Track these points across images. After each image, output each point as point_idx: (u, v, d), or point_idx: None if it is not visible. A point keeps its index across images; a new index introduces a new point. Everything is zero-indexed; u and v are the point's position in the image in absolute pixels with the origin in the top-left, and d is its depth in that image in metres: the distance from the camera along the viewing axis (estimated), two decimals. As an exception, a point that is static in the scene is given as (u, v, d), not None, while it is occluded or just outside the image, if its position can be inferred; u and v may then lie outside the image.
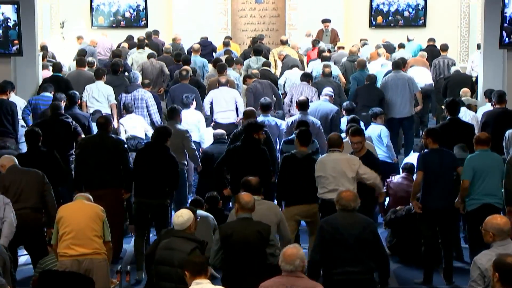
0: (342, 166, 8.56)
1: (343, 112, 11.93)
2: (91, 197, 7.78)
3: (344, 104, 12.19)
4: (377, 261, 7.00)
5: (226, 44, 16.99)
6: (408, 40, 18.41)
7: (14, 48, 12.40)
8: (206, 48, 17.36)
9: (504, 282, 5.42)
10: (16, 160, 8.80)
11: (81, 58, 15.07)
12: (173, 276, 6.80)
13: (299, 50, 17.72)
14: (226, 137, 11.19)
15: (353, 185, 8.53)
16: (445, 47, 16.53)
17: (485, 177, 8.74)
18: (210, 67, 15.59)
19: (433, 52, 16.78)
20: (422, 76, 14.99)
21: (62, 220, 7.39)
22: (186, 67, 14.25)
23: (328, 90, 12.56)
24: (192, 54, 16.12)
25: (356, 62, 14.99)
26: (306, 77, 13.48)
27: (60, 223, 7.41)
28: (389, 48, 17.62)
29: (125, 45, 18.61)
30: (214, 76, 14.17)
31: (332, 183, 8.54)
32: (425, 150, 9.10)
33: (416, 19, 21.46)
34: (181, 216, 7.04)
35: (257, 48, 16.37)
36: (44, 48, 16.30)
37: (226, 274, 7.06)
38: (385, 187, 10.19)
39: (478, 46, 16.18)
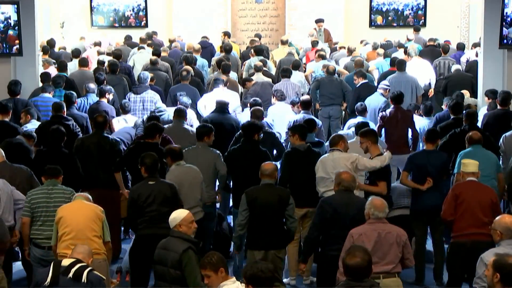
0: (342, 165, 8.62)
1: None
2: (90, 197, 7.78)
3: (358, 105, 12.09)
4: None
5: (226, 51, 16.52)
6: (408, 40, 18.41)
7: (14, 48, 12.38)
8: (205, 49, 17.34)
9: (505, 283, 5.44)
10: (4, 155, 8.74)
11: (83, 58, 15.06)
12: (166, 276, 6.80)
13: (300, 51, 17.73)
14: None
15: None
16: (446, 49, 16.52)
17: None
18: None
19: (433, 52, 16.76)
20: (423, 72, 14.98)
21: (62, 221, 7.39)
22: (187, 67, 14.25)
23: (384, 83, 12.77)
24: (193, 54, 16.10)
25: (354, 62, 14.99)
26: (285, 72, 13.62)
27: (59, 223, 7.41)
28: (389, 48, 17.61)
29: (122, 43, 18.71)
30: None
31: (333, 182, 8.57)
32: (415, 152, 9.20)
33: (416, 19, 21.47)
34: (173, 213, 7.04)
35: (258, 47, 16.37)
36: (45, 49, 16.27)
37: (250, 233, 7.90)
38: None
39: (474, 45, 16.16)
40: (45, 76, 12.90)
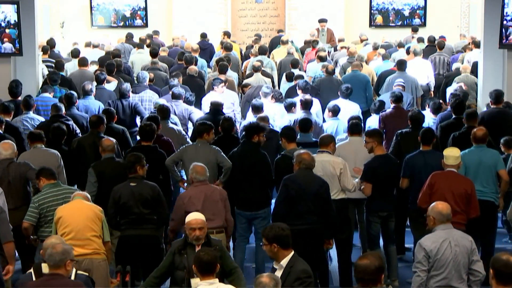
0: (330, 168, 8.67)
1: (330, 114, 11.73)
2: (89, 196, 7.78)
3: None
4: (327, 215, 8.06)
5: (227, 48, 16.64)
6: (413, 39, 18.44)
7: (7, 46, 12.35)
8: (205, 50, 17.35)
9: (498, 279, 5.51)
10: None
11: (83, 58, 15.05)
12: None
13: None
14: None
15: (339, 187, 8.71)
16: (441, 45, 16.56)
17: (476, 173, 8.84)
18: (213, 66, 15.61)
19: (432, 51, 16.79)
20: (422, 72, 15.00)
21: (61, 221, 7.38)
22: (192, 67, 14.31)
23: (399, 81, 13.00)
24: (191, 54, 16.10)
25: (352, 63, 15.00)
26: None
27: (59, 223, 7.40)
28: (389, 48, 17.62)
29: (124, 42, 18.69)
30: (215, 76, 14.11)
31: None
32: (411, 154, 9.16)
33: (416, 19, 21.47)
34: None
35: (261, 47, 16.39)
36: (45, 49, 16.27)
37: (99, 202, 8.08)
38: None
39: (474, 43, 16.11)
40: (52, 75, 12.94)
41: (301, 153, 8.25)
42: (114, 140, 9.04)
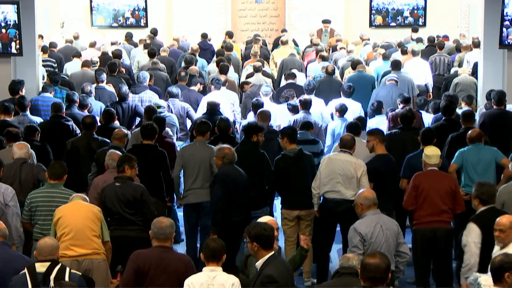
0: (351, 169, 8.58)
1: (337, 113, 11.75)
2: (87, 198, 7.79)
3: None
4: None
5: (228, 49, 16.73)
6: (412, 39, 18.46)
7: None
8: (205, 51, 17.34)
9: (495, 279, 5.57)
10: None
11: (87, 60, 15.06)
12: None
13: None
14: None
15: (356, 190, 8.53)
16: (441, 45, 16.55)
17: (475, 170, 8.89)
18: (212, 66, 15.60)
19: (432, 51, 16.80)
20: (420, 73, 15.02)
21: (60, 221, 7.37)
22: (193, 67, 14.29)
23: (392, 76, 13.30)
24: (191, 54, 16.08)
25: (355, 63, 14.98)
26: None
27: (58, 224, 7.39)
28: (389, 48, 17.61)
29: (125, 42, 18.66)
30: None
31: (339, 184, 8.56)
32: (411, 154, 9.14)
33: (416, 19, 21.48)
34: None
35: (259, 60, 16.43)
36: (44, 48, 16.26)
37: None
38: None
39: (475, 44, 16.09)
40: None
41: (223, 147, 8.42)
42: (125, 131, 9.47)
